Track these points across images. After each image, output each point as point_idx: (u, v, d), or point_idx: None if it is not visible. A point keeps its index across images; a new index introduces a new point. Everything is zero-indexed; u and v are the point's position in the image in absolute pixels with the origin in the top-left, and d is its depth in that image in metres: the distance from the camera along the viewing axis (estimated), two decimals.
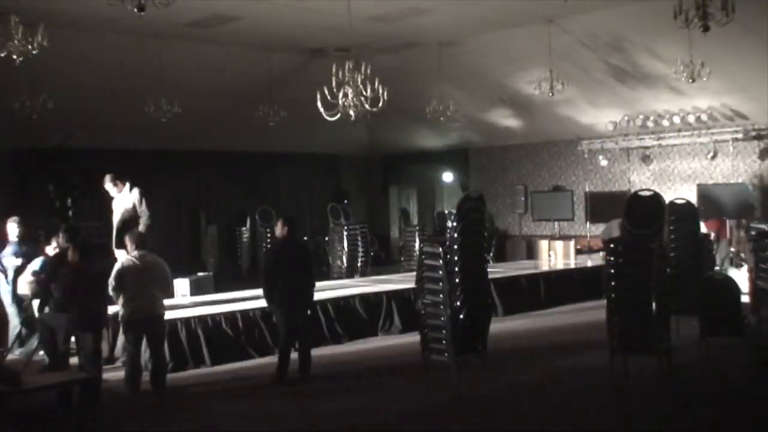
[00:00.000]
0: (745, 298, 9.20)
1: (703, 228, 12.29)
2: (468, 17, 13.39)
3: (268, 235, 17.56)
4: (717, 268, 13.07)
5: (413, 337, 9.31)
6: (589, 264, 15.22)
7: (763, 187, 15.57)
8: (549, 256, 16.43)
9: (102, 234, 17.04)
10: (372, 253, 18.20)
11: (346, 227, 17.37)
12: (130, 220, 10.45)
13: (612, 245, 8.08)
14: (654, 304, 7.65)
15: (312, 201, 21.31)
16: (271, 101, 15.08)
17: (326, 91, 10.44)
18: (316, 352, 10.21)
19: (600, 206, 17.69)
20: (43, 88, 11.96)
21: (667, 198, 11.97)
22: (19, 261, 9.84)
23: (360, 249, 17.17)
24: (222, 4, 12.06)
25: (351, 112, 10.58)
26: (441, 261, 7.70)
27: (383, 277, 14.83)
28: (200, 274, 14.39)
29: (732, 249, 15.06)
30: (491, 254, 18.92)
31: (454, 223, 7.95)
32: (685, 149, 16.87)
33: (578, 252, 17.11)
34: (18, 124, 12.61)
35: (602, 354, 8.07)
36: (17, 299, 9.82)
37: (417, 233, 18.22)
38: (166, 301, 8.88)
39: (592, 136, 17.89)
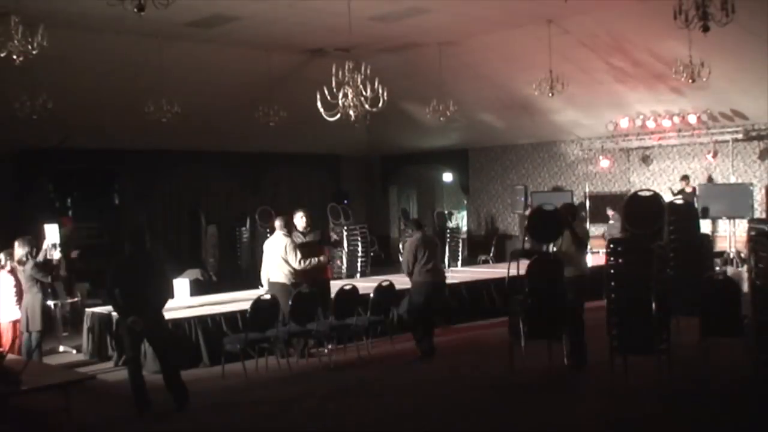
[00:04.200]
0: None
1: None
2: (468, 17, 13.39)
3: (268, 234, 17.53)
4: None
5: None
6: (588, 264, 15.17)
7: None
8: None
9: (101, 234, 17.14)
10: (372, 253, 18.18)
11: (346, 227, 17.36)
12: None
13: (612, 245, 8.09)
14: (654, 304, 7.65)
15: (312, 201, 21.31)
16: (271, 101, 15.08)
17: (326, 91, 10.44)
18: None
19: (600, 207, 17.70)
20: (43, 88, 11.96)
21: (667, 198, 12.00)
22: None
23: (360, 249, 17.15)
24: (222, 4, 12.06)
25: (351, 112, 10.58)
26: None
27: (383, 277, 14.78)
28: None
29: (732, 249, 15.09)
30: (491, 255, 18.96)
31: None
32: (685, 149, 16.87)
33: None
34: (18, 124, 12.61)
35: (602, 354, 8.08)
36: None
37: None
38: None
39: (592, 136, 17.90)
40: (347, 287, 10.02)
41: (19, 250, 9.48)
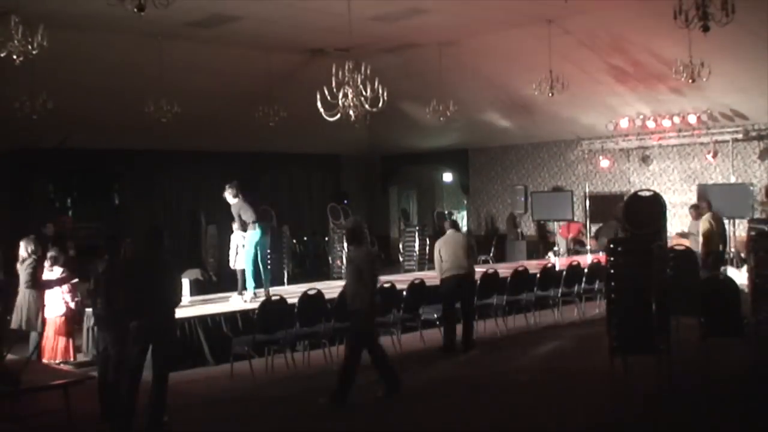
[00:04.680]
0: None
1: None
2: (468, 17, 13.39)
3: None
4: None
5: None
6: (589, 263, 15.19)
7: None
8: (547, 256, 16.45)
9: (101, 234, 17.13)
10: None
11: None
12: None
13: (612, 245, 8.10)
14: (654, 304, 7.65)
15: (312, 201, 21.33)
16: (271, 101, 15.07)
17: (326, 91, 10.44)
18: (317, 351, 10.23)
19: (600, 207, 17.71)
20: (43, 88, 11.94)
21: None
22: None
23: None
24: (222, 4, 12.06)
25: (351, 112, 10.58)
26: None
27: (383, 277, 14.79)
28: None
29: (732, 249, 15.08)
30: (491, 254, 18.96)
31: None
32: (685, 149, 16.87)
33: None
34: (18, 124, 12.60)
35: (602, 354, 8.08)
36: None
37: (417, 233, 18.22)
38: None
39: (592, 136, 17.90)
40: None
41: (23, 250, 9.53)
